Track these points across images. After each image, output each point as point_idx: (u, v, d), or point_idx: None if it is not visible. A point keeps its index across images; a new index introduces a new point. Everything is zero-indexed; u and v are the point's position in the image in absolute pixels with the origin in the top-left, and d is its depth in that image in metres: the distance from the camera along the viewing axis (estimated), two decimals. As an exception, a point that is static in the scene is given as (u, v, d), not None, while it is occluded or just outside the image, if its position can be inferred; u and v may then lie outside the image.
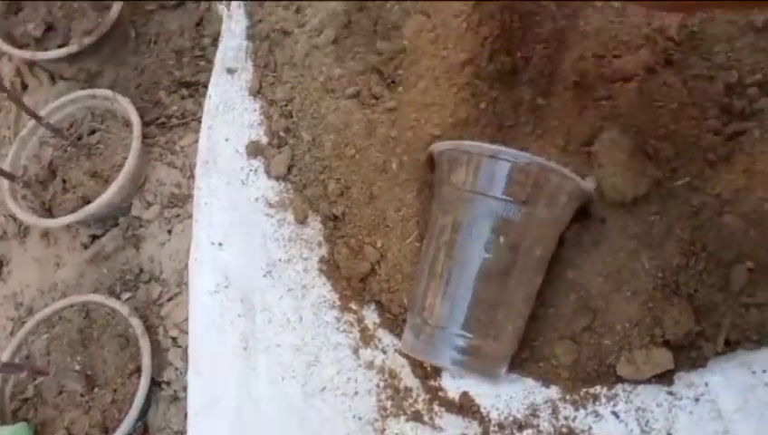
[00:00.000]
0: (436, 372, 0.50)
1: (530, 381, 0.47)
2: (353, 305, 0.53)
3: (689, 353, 0.45)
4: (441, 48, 0.52)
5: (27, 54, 0.62)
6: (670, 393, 0.44)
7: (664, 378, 0.44)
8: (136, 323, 0.55)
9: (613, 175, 0.45)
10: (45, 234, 0.65)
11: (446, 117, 0.50)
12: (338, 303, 0.54)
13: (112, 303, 0.57)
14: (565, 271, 0.47)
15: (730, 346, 0.45)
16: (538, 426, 0.46)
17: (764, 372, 0.43)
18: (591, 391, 0.45)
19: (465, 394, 0.48)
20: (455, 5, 0.52)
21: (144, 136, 0.61)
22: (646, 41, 0.50)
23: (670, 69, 0.50)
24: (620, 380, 0.45)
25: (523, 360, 0.48)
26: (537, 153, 0.47)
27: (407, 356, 0.50)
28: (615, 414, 0.44)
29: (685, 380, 0.44)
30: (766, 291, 0.45)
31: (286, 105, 0.58)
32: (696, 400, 0.44)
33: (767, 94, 0.49)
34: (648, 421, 0.44)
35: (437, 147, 0.47)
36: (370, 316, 0.53)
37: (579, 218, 0.48)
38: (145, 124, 0.63)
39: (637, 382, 0.44)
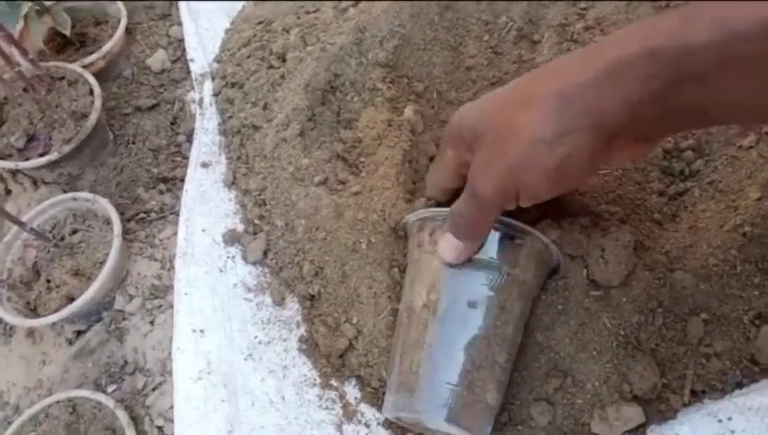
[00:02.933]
0: (419, 443, 0.49)
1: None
2: (334, 382, 0.53)
3: (658, 407, 0.45)
4: (392, 139, 0.54)
5: (11, 165, 0.63)
6: (643, 446, 0.44)
7: (636, 432, 0.44)
8: (122, 416, 0.54)
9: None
10: (30, 332, 0.64)
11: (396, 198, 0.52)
12: (319, 380, 0.53)
13: (98, 396, 0.55)
14: (534, 334, 0.47)
15: (696, 396, 0.45)
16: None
17: (730, 419, 0.43)
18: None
19: (446, 465, 0.47)
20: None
21: (124, 232, 0.61)
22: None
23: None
24: (595, 437, 0.44)
25: (503, 424, 0.47)
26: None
27: (391, 427, 0.49)
28: (592, 470, 0.44)
29: (656, 432, 0.44)
30: (722, 340, 0.45)
31: (259, 194, 0.59)
32: (668, 451, 0.43)
33: (701, 156, 0.51)
34: (623, 475, 0.43)
35: (418, 215, 0.47)
36: (352, 392, 0.52)
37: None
38: (125, 220, 0.64)
39: (609, 439, 0.44)
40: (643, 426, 0.44)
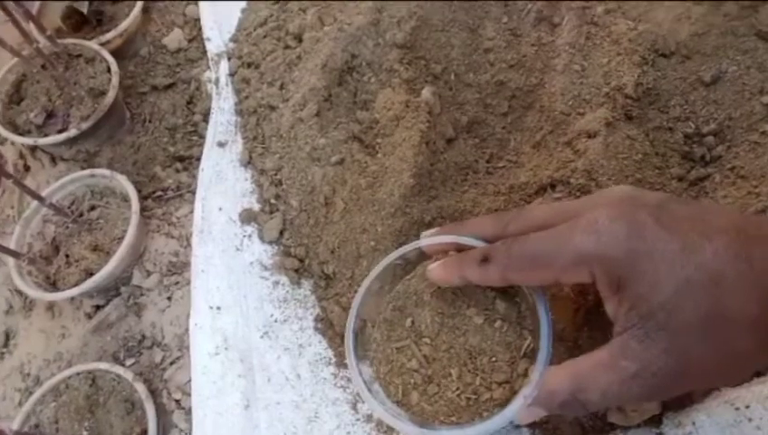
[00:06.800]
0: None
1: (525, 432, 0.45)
2: (349, 361, 0.51)
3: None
4: (409, 120, 0.51)
5: (29, 141, 0.61)
6: (659, 434, 0.42)
7: (652, 420, 0.42)
8: (140, 389, 0.52)
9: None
10: (50, 306, 0.62)
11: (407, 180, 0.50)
12: (334, 359, 0.51)
13: (117, 369, 0.54)
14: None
15: (713, 383, 0.43)
16: (533, 472, 0.43)
17: (747, 407, 0.41)
18: (585, 439, 0.43)
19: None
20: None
21: (142, 209, 0.60)
22: (606, 99, 0.49)
23: (631, 123, 0.49)
24: (612, 426, 0.42)
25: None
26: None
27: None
28: (607, 457, 0.42)
29: (673, 420, 0.42)
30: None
31: (275, 174, 0.57)
32: (685, 439, 0.41)
33: (723, 142, 0.48)
34: (639, 462, 0.41)
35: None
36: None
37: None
38: (142, 198, 0.62)
39: (627, 428, 0.42)
40: (659, 414, 0.42)
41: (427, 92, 0.53)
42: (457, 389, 0.38)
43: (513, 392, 0.37)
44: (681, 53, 0.50)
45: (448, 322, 0.40)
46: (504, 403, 0.37)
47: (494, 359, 0.38)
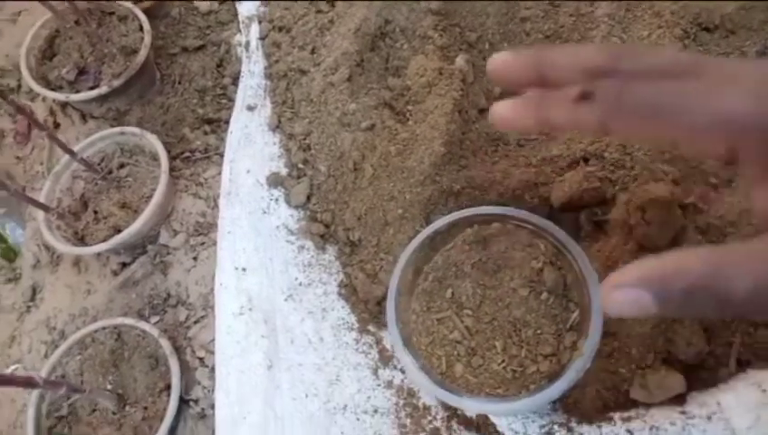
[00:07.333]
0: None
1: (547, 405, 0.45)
2: (371, 327, 0.51)
3: (700, 374, 0.42)
4: (442, 88, 0.50)
5: (61, 96, 0.61)
6: (683, 413, 0.41)
7: (676, 399, 0.42)
8: (165, 345, 0.53)
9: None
10: (77, 262, 0.63)
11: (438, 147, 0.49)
12: (356, 325, 0.51)
13: (142, 325, 0.55)
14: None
15: (741, 366, 0.43)
16: (554, 445, 0.43)
17: (774, 389, 0.40)
18: (607, 414, 0.42)
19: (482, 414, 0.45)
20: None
21: (170, 169, 0.60)
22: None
23: (669, 98, 0.48)
24: (634, 403, 0.42)
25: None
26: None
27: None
28: (629, 433, 0.42)
29: (697, 399, 0.41)
30: (772, 309, 0.42)
31: (304, 139, 0.57)
32: (709, 418, 0.41)
33: (763, 120, 0.47)
34: (661, 439, 0.41)
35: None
36: (388, 338, 0.51)
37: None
38: (171, 158, 0.62)
39: (650, 405, 0.42)
40: (683, 394, 0.42)
41: (461, 60, 0.52)
42: (503, 361, 0.38)
43: (561, 365, 0.36)
44: (725, 27, 0.48)
45: (490, 293, 0.40)
46: (552, 376, 0.36)
47: (539, 331, 0.38)
